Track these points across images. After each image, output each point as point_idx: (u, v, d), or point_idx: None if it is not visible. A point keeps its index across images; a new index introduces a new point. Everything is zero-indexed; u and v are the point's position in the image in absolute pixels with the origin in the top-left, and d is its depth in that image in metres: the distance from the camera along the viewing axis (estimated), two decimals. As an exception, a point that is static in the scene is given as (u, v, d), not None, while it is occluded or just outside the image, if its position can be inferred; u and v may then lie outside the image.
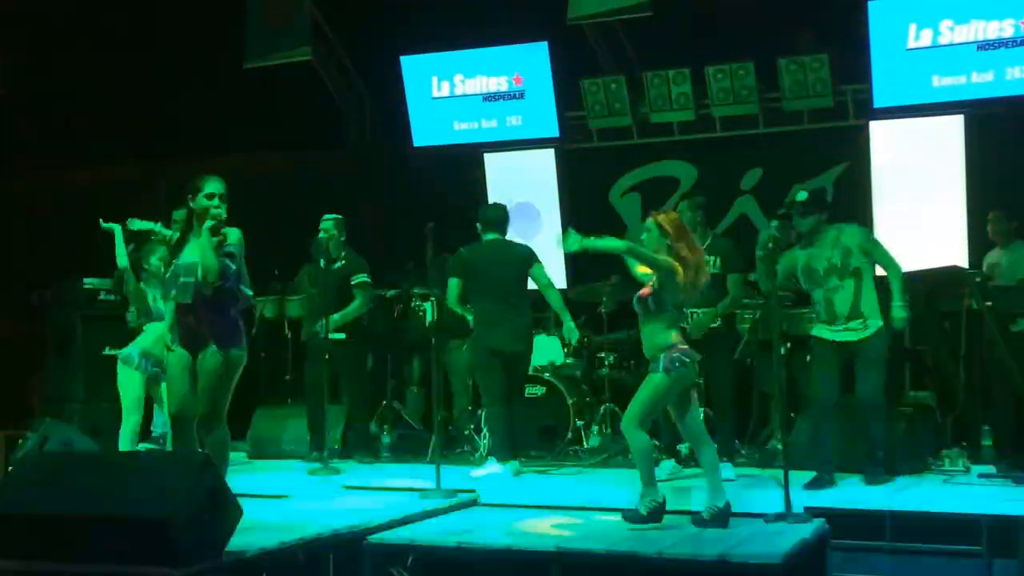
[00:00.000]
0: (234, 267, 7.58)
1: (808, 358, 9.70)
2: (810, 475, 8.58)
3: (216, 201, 7.62)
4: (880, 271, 8.70)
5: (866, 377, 8.55)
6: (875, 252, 8.60)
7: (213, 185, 7.67)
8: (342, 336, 10.32)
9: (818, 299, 8.59)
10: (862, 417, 8.72)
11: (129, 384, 9.93)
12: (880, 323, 8.51)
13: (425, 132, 13.18)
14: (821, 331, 8.58)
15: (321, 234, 10.48)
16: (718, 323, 9.30)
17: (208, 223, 7.54)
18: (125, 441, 9.86)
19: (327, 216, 10.59)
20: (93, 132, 14.08)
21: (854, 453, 8.75)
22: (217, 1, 13.51)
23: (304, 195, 13.12)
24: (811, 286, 8.61)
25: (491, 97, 12.92)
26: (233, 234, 7.63)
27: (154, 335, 9.65)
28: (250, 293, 7.77)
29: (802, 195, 8.52)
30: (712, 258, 9.04)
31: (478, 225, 9.89)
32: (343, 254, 10.59)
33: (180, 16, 13.66)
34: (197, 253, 7.55)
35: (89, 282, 11.86)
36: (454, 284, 9.68)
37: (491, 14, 12.52)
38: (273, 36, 13.59)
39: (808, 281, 8.60)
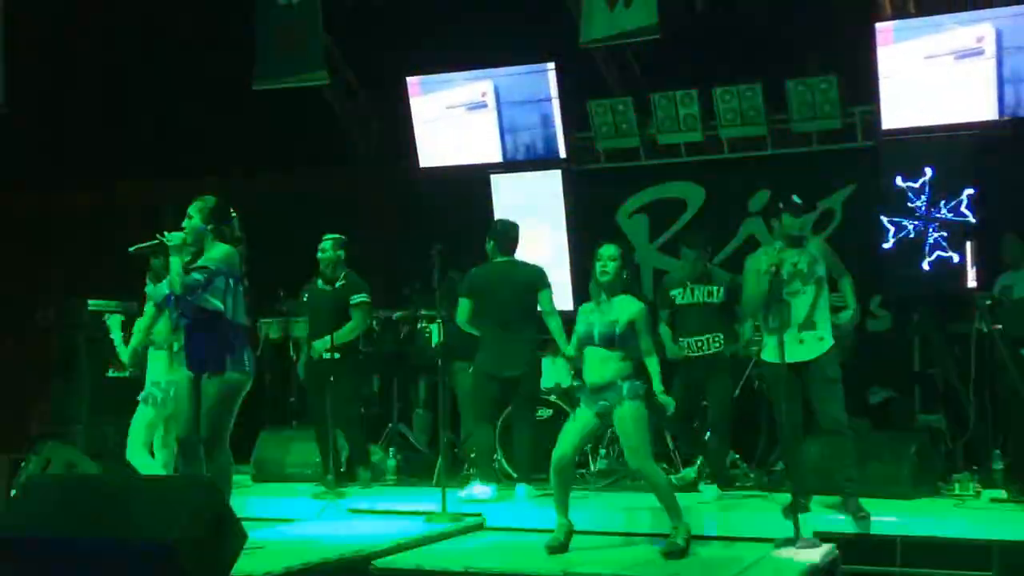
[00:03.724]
0: (200, 278, 7.52)
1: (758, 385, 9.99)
2: (821, 498, 8.53)
3: (185, 221, 7.65)
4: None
5: (823, 399, 8.41)
6: (832, 261, 8.63)
7: (190, 206, 7.70)
8: (335, 356, 10.24)
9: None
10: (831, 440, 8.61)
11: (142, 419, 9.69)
12: (832, 342, 8.46)
13: (431, 152, 13.13)
14: (771, 355, 8.47)
15: (319, 253, 10.44)
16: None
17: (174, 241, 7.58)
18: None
19: (327, 236, 10.54)
20: (97, 152, 14.06)
21: (832, 475, 8.62)
22: (222, 21, 13.50)
23: (310, 215, 13.09)
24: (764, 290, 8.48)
25: (498, 117, 12.87)
26: (216, 250, 7.60)
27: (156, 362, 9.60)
28: (220, 306, 7.62)
29: (796, 198, 8.56)
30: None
31: (489, 242, 9.91)
32: (343, 274, 10.50)
33: (186, 36, 13.66)
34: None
35: (93, 303, 11.81)
36: (464, 304, 9.75)
37: (498, 35, 12.50)
38: (285, 59, 13.57)
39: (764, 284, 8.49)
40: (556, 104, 12.59)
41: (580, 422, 7.95)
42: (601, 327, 7.81)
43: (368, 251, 13.48)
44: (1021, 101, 10.92)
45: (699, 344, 9.65)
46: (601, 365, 7.80)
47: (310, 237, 10.70)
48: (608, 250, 7.94)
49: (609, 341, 7.77)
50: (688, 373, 9.70)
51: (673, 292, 9.82)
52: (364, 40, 13.71)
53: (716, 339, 9.63)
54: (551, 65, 12.55)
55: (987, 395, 9.81)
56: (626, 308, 7.84)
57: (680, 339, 9.72)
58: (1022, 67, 10.86)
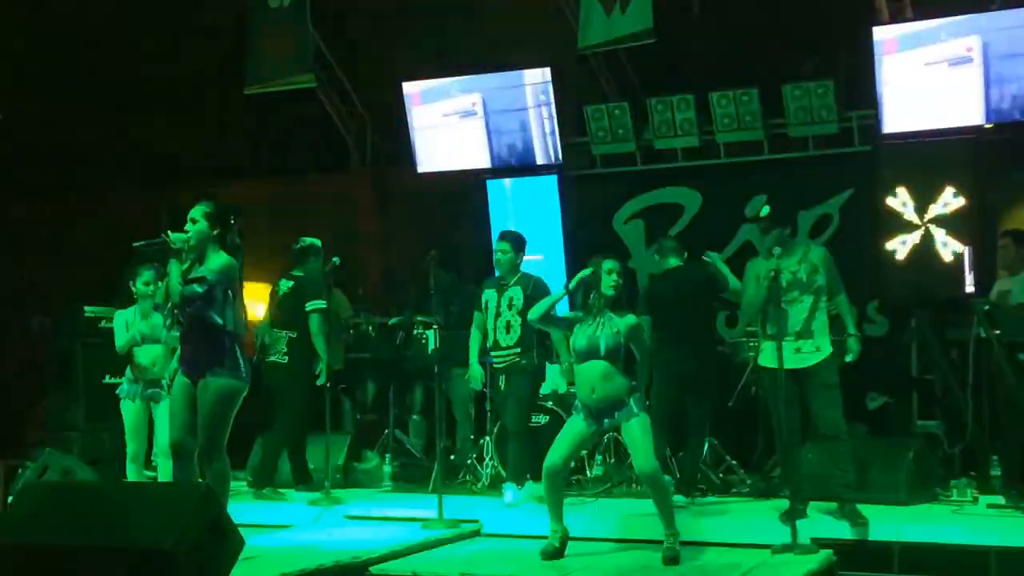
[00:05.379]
0: (200, 290, 7.46)
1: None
2: (819, 504, 8.52)
3: (188, 224, 7.57)
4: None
5: (821, 405, 8.35)
6: (832, 276, 8.54)
7: (194, 208, 7.63)
8: (284, 360, 10.29)
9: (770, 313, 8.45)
10: (829, 446, 8.58)
11: (127, 412, 9.83)
12: (831, 350, 8.41)
13: (427, 158, 13.12)
14: (768, 360, 8.44)
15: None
16: None
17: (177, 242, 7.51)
18: (130, 470, 9.77)
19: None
20: (95, 159, 14.05)
21: (829, 481, 8.58)
22: (218, 27, 13.50)
23: (306, 222, 13.09)
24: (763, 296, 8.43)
25: (494, 123, 12.86)
26: (215, 260, 7.54)
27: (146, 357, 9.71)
28: (220, 321, 7.58)
29: (765, 209, 8.51)
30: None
31: (517, 255, 9.80)
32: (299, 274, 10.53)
33: (181, 42, 13.65)
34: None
35: (90, 310, 11.79)
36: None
37: (494, 40, 12.50)
38: (275, 62, 13.56)
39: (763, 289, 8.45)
40: (552, 109, 12.59)
41: (575, 434, 7.88)
42: (607, 340, 7.75)
43: (364, 256, 13.52)
44: (1006, 107, 10.96)
45: None
46: (605, 381, 7.74)
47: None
48: (615, 264, 7.92)
49: (614, 354, 7.73)
50: None
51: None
52: (358, 45, 13.70)
53: None
54: (547, 71, 12.55)
55: (985, 401, 9.78)
56: (626, 321, 7.81)
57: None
58: (1007, 75, 10.91)
